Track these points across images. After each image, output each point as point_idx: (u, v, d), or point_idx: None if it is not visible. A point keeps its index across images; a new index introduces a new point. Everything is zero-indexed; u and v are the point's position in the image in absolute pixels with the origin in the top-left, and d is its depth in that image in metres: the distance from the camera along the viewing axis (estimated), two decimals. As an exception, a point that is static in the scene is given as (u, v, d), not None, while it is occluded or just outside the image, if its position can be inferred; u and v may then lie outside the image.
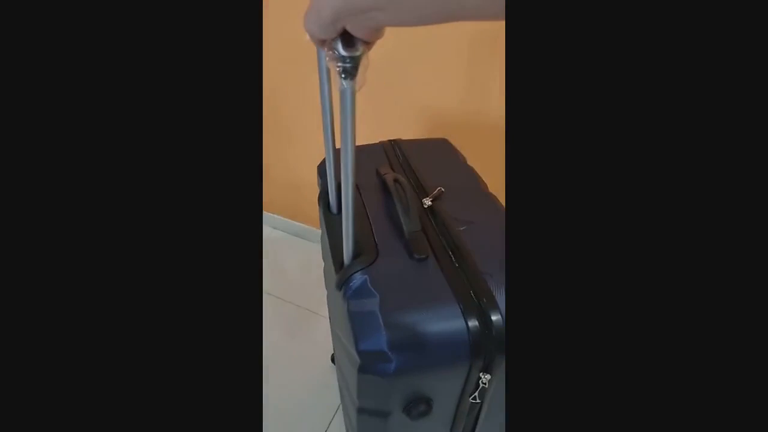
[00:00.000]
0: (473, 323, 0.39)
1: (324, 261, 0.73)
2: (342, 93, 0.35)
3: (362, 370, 0.41)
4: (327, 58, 0.34)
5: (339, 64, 0.33)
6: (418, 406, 0.42)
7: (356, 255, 0.46)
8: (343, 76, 0.33)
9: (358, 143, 0.63)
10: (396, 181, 0.53)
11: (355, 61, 0.32)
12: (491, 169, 0.71)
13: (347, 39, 0.32)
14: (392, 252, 0.46)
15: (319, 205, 0.59)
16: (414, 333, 0.39)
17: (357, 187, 0.54)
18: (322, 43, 0.34)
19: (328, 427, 0.90)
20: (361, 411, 0.46)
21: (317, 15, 0.30)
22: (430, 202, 0.52)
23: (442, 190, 0.54)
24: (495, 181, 0.62)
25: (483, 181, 0.59)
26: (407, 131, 0.99)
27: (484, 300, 0.40)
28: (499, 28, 0.77)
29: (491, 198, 0.54)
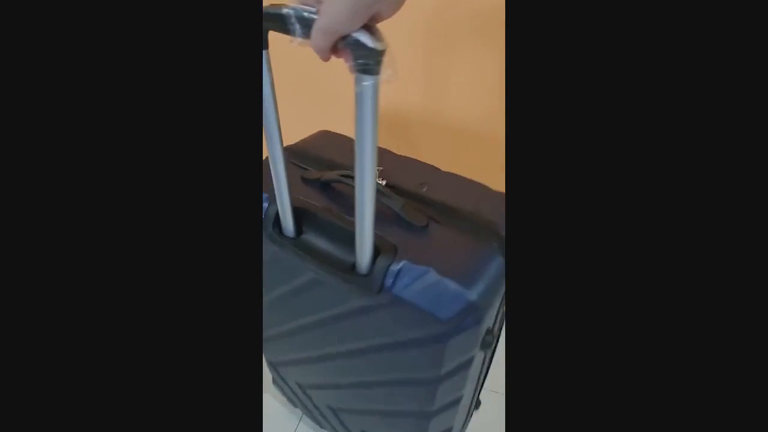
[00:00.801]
0: (502, 248, 0.47)
1: (271, 291, 0.65)
2: (363, 92, 0.34)
3: (449, 335, 0.44)
4: (347, 59, 0.32)
5: (367, 60, 0.32)
6: (486, 337, 0.48)
7: (376, 255, 0.45)
8: (374, 72, 0.32)
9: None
10: (344, 176, 0.53)
11: (383, 54, 0.32)
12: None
13: (370, 29, 0.31)
14: (399, 234, 0.48)
15: (266, 234, 0.53)
16: (480, 278, 0.44)
17: (305, 202, 0.51)
18: (333, 46, 0.32)
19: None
20: (444, 378, 0.48)
21: (347, 1, 0.28)
22: (383, 181, 0.54)
23: (381, 168, 0.57)
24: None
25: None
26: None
27: (495, 229, 0.48)
28: (449, 18, 0.75)
29: (412, 159, 0.61)
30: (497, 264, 0.46)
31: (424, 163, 0.60)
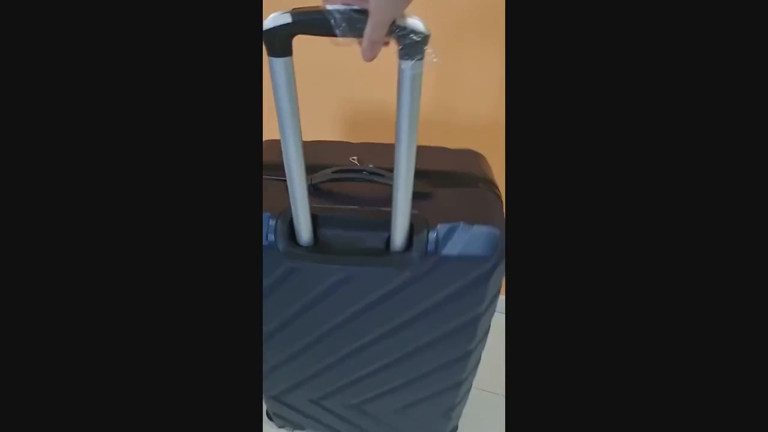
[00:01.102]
0: (494, 190, 0.56)
1: (281, 313, 0.61)
2: (408, 76, 0.37)
3: (492, 271, 0.51)
4: (397, 51, 0.35)
5: (415, 45, 0.35)
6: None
7: (411, 231, 0.49)
8: (419, 56, 0.35)
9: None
10: (336, 171, 0.54)
11: (429, 37, 0.35)
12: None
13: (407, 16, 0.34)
14: (419, 206, 0.52)
15: (272, 253, 0.50)
16: (495, 216, 0.52)
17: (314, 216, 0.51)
18: (382, 40, 0.34)
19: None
20: (483, 313, 0.56)
21: None
22: (370, 166, 0.57)
23: (354, 157, 0.59)
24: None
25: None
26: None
27: (480, 176, 0.57)
28: (459, 15, 0.70)
29: (370, 143, 0.64)
30: (498, 202, 0.55)
31: (383, 144, 0.64)
